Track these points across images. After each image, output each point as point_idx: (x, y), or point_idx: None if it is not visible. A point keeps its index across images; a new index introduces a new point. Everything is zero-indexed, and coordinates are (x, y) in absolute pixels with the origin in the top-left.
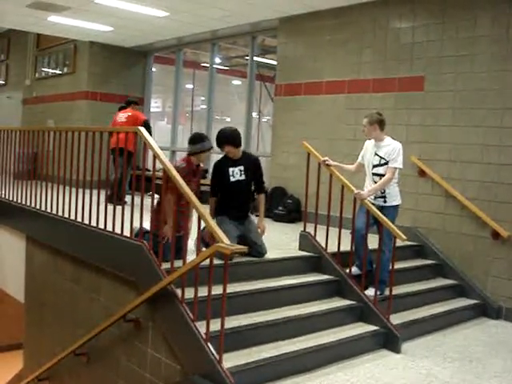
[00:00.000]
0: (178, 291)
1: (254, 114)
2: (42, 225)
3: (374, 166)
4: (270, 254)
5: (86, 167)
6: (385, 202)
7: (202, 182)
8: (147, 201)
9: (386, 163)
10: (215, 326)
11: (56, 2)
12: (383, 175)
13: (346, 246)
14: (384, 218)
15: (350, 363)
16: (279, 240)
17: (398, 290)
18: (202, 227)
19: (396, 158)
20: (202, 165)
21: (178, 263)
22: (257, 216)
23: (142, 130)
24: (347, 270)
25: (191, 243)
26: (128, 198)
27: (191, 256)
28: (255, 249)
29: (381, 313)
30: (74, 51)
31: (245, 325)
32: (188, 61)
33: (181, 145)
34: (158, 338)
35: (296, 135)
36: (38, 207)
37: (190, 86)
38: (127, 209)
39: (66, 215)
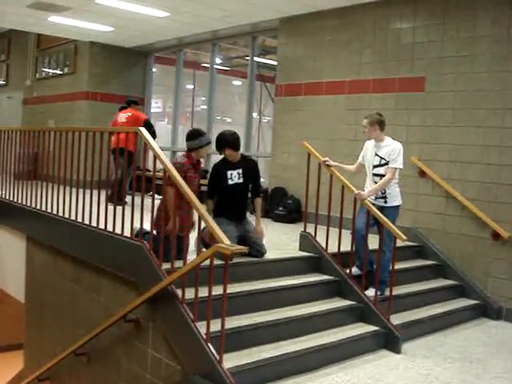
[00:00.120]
0: (179, 291)
1: (255, 115)
2: (43, 225)
3: (375, 167)
4: (271, 255)
5: (86, 167)
6: (385, 202)
7: (202, 182)
8: (147, 201)
9: (387, 163)
10: (215, 326)
11: (56, 2)
12: (383, 175)
13: (346, 246)
14: (384, 218)
15: (351, 363)
16: (279, 240)
17: (399, 290)
18: (202, 228)
19: (396, 159)
20: (202, 160)
21: (178, 263)
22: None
23: (143, 130)
24: (347, 271)
25: (191, 242)
26: (128, 199)
27: (191, 256)
28: (255, 248)
29: (381, 313)
30: (75, 51)
31: (245, 325)
32: (188, 61)
33: (181, 145)
34: (159, 338)
35: (296, 135)
36: (38, 207)
37: (190, 87)
38: (127, 209)
39: (67, 215)
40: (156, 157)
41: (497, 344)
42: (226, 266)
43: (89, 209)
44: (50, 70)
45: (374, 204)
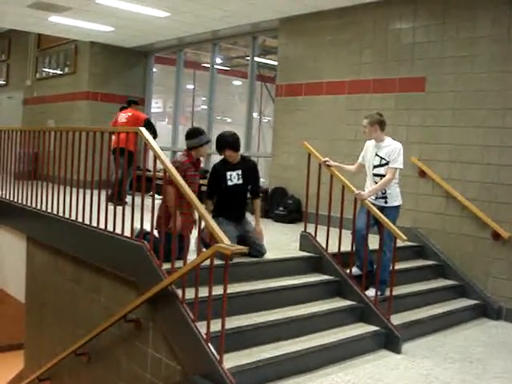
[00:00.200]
0: (179, 291)
1: (255, 115)
2: (43, 225)
3: (375, 167)
4: (271, 255)
5: (86, 167)
6: (386, 202)
7: (201, 182)
8: (147, 201)
9: (387, 164)
10: (216, 326)
11: (57, 2)
12: (384, 176)
13: (346, 246)
14: (384, 218)
15: (351, 363)
16: (280, 240)
17: (399, 290)
18: (202, 228)
19: (396, 159)
20: (201, 159)
21: (178, 264)
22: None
23: (143, 130)
24: (348, 271)
25: (191, 242)
26: (129, 199)
27: (191, 256)
28: (255, 248)
29: (381, 313)
30: (75, 51)
31: (245, 325)
32: (189, 61)
33: (182, 145)
34: (159, 338)
35: (296, 135)
36: (38, 207)
37: (190, 87)
38: (128, 209)
39: (67, 215)
40: (156, 157)
41: (497, 344)
42: (226, 265)
43: (89, 209)
44: (51, 70)
45: (374, 204)
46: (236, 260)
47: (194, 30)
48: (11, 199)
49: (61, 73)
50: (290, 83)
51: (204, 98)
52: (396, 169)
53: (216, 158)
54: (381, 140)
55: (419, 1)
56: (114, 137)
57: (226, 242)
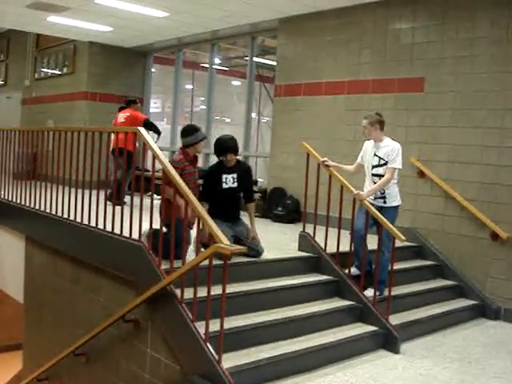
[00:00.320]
0: (178, 291)
1: (254, 115)
2: (42, 225)
3: (374, 167)
4: (270, 255)
5: (85, 167)
6: (384, 202)
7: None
8: (146, 201)
9: (386, 164)
10: (214, 326)
11: (55, 2)
12: (383, 176)
13: (345, 246)
14: (383, 218)
15: (350, 363)
16: (278, 240)
17: (397, 290)
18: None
19: (395, 159)
20: (198, 155)
21: (177, 264)
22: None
23: (142, 130)
24: (346, 271)
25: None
26: (127, 198)
27: (190, 256)
28: (252, 248)
29: (380, 313)
30: (74, 51)
31: (244, 325)
32: (187, 61)
33: (180, 145)
34: (158, 338)
35: (295, 136)
36: (37, 207)
37: (189, 87)
38: (127, 209)
39: (66, 215)
40: (155, 157)
41: (495, 344)
42: (224, 265)
43: (88, 209)
44: (49, 70)
45: (373, 204)
46: (235, 260)
47: (192, 30)
48: (10, 199)
49: (59, 73)
50: (289, 83)
51: (203, 98)
52: (395, 169)
53: (214, 158)
54: (380, 140)
55: (418, 1)
56: (112, 137)
57: (225, 241)
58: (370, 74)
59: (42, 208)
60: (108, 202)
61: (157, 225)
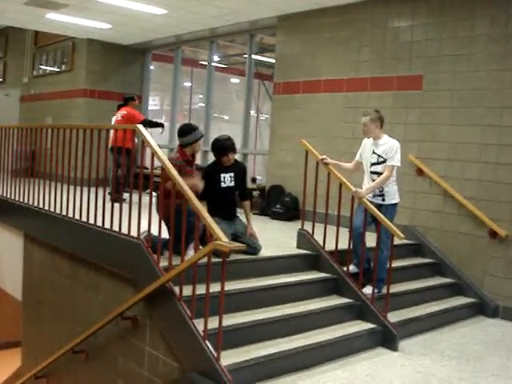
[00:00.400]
0: (176, 289)
1: (252, 112)
2: (40, 222)
3: (372, 165)
4: (268, 252)
5: (84, 165)
6: (383, 200)
7: None
8: (145, 198)
9: (384, 161)
10: (213, 323)
11: None
12: (381, 173)
13: (343, 244)
14: (382, 216)
15: (348, 361)
16: (277, 238)
17: (396, 288)
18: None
19: (394, 156)
20: (196, 154)
21: (175, 261)
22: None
23: (140, 127)
24: (345, 268)
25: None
26: (126, 196)
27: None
28: (250, 245)
29: (378, 311)
30: (72, 49)
31: (243, 322)
32: (186, 59)
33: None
34: (156, 335)
35: (294, 133)
36: (35, 205)
37: (188, 84)
38: (125, 206)
39: (64, 213)
40: (154, 154)
41: (494, 342)
42: (223, 263)
43: (86, 206)
44: (48, 68)
45: (371, 202)
46: (233, 257)
47: (191, 28)
48: (8, 196)
49: (58, 70)
50: (288, 81)
51: (201, 96)
52: (393, 166)
53: (213, 156)
54: (378, 138)
55: None
56: (111, 134)
57: (223, 239)
58: (369, 71)
59: (41, 205)
60: (109, 197)
61: (156, 225)
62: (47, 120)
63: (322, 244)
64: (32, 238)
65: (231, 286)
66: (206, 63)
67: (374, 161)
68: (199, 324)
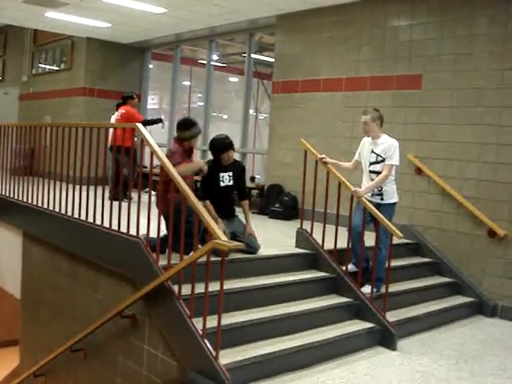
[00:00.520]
0: (175, 288)
1: (251, 111)
2: (39, 221)
3: (371, 164)
4: (267, 251)
5: (83, 163)
6: (382, 199)
7: (196, 178)
8: (144, 197)
9: (383, 160)
10: (212, 322)
11: None
12: (380, 173)
13: (342, 243)
14: (380, 215)
15: (347, 360)
16: (276, 237)
17: (395, 287)
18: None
19: (392, 155)
20: (194, 147)
21: (174, 260)
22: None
23: (140, 126)
24: (344, 268)
25: None
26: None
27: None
28: (249, 244)
29: (377, 310)
30: (72, 47)
31: (241, 321)
32: (185, 57)
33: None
34: (155, 334)
35: (293, 132)
36: (34, 203)
37: (187, 83)
38: (125, 205)
39: (63, 211)
40: (153, 153)
41: (492, 341)
42: (222, 262)
43: (85, 205)
44: (47, 66)
45: (370, 201)
46: (232, 256)
47: (190, 27)
48: (7, 195)
49: (57, 69)
50: (287, 80)
51: (200, 95)
52: (392, 165)
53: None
54: (377, 137)
55: None
56: (110, 133)
57: (222, 238)
58: (368, 71)
59: (40, 204)
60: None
61: (155, 224)
62: (46, 119)
63: (320, 243)
64: (31, 237)
65: (230, 284)
66: (205, 62)
67: (373, 160)
68: (198, 323)
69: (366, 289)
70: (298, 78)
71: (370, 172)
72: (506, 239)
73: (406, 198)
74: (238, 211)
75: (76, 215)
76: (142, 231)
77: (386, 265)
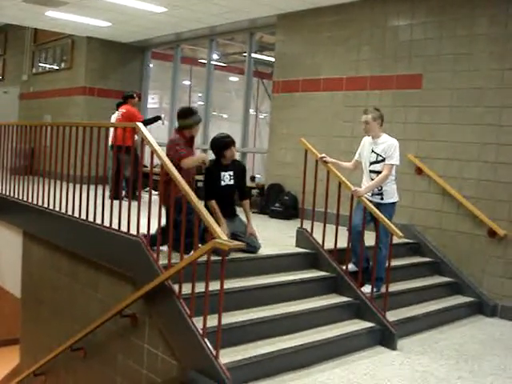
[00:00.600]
0: (175, 287)
1: (252, 111)
2: (39, 220)
3: (371, 163)
4: (267, 251)
5: (83, 163)
6: (382, 199)
7: (198, 177)
8: (144, 196)
9: (383, 160)
10: (212, 321)
11: None
12: (380, 172)
13: (342, 242)
14: (381, 215)
15: (347, 360)
16: (276, 236)
17: (395, 287)
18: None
19: (392, 155)
20: (195, 136)
21: (175, 259)
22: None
23: (140, 125)
24: (344, 267)
25: None
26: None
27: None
28: (249, 244)
29: (377, 310)
30: (72, 46)
31: (242, 321)
32: (185, 57)
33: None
34: (155, 333)
35: (293, 132)
36: (34, 202)
37: (187, 83)
38: (125, 204)
39: (64, 211)
40: (153, 152)
41: (492, 341)
42: (223, 261)
43: (86, 204)
44: (47, 65)
45: (370, 201)
46: (232, 256)
47: (191, 26)
48: (7, 194)
49: (57, 68)
50: (287, 79)
51: (200, 94)
52: (392, 165)
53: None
54: (378, 136)
55: None
56: (111, 132)
57: (223, 237)
58: (369, 70)
59: (40, 203)
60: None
61: (156, 223)
62: (46, 118)
63: (321, 243)
64: (31, 236)
65: (230, 284)
66: (205, 61)
67: (373, 160)
68: (198, 322)
69: (366, 288)
70: (298, 78)
71: (371, 172)
72: (506, 239)
73: (406, 197)
74: (239, 211)
75: (76, 214)
76: (143, 230)
77: (386, 264)
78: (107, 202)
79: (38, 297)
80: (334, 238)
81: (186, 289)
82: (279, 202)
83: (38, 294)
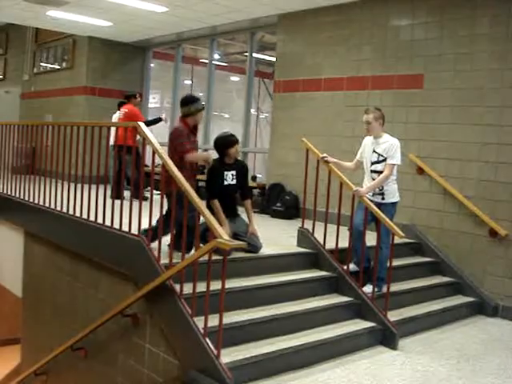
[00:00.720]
0: (177, 286)
1: (253, 111)
2: (41, 220)
3: (373, 163)
4: (268, 250)
5: (84, 162)
6: (383, 199)
7: (199, 177)
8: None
9: (384, 160)
10: (213, 321)
11: None
12: (381, 172)
13: (344, 242)
14: (382, 215)
15: (348, 359)
16: (277, 236)
17: (396, 287)
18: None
19: (394, 155)
20: (198, 124)
21: (176, 259)
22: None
23: (142, 125)
24: (345, 267)
25: None
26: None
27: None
28: (251, 243)
29: (378, 310)
30: (73, 46)
31: (243, 320)
32: (186, 56)
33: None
34: (156, 333)
35: (294, 132)
36: (36, 202)
37: (188, 82)
38: (126, 204)
39: (65, 210)
40: (155, 152)
41: (493, 341)
42: (224, 261)
43: (87, 203)
44: (48, 65)
45: (371, 201)
46: (233, 255)
47: (192, 26)
48: (9, 193)
49: (58, 67)
50: (288, 79)
51: (201, 94)
52: (393, 165)
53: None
54: (379, 136)
55: None
56: (112, 132)
57: (224, 237)
58: (369, 70)
59: (41, 202)
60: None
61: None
62: (47, 118)
63: (322, 242)
64: (32, 235)
65: (232, 283)
66: (206, 61)
67: (375, 159)
68: (199, 322)
69: (368, 288)
70: (299, 78)
71: (372, 171)
72: (507, 239)
73: (407, 197)
74: (241, 210)
75: (78, 214)
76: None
77: (388, 264)
78: (108, 201)
79: (39, 296)
80: (335, 237)
81: (188, 288)
82: (280, 202)
83: (39, 294)
